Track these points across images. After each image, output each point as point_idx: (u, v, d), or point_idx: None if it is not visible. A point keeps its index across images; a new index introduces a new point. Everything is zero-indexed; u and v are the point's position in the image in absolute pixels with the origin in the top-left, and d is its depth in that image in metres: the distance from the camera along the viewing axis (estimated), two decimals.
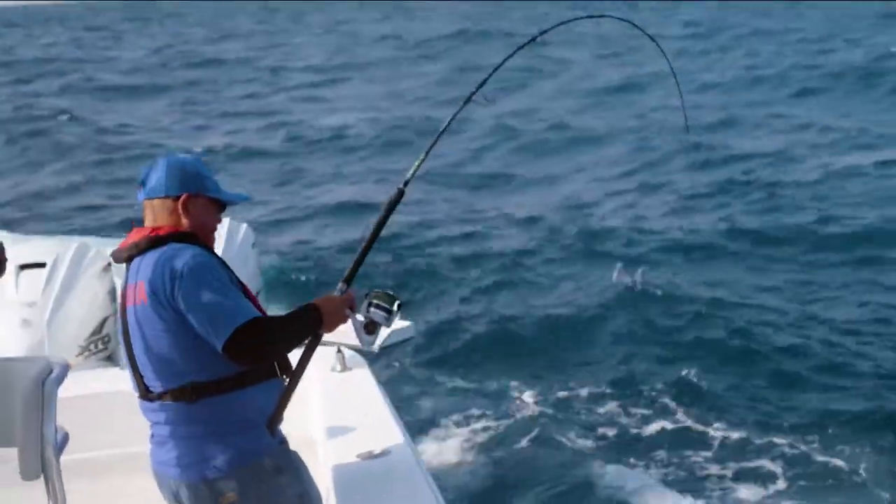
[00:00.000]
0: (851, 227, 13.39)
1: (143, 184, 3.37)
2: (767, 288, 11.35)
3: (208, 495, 3.22)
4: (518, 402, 8.71)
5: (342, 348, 4.86)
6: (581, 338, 10.10)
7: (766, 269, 12.14)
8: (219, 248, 4.19)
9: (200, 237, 3.35)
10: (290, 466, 3.35)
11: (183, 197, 3.32)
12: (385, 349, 4.76)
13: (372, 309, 3.51)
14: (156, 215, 3.34)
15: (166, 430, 3.28)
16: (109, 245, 7.57)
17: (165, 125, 25.46)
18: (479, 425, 8.27)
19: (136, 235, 3.35)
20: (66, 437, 3.05)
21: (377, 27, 40.33)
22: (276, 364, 3.35)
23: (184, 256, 3.18)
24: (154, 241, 3.28)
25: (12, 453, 3.08)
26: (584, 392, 8.82)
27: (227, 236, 6.60)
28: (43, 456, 2.96)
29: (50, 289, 6.28)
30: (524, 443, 7.97)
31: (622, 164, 18.39)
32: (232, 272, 3.31)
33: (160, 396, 3.25)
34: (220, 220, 3.46)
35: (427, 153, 3.78)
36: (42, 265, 6.35)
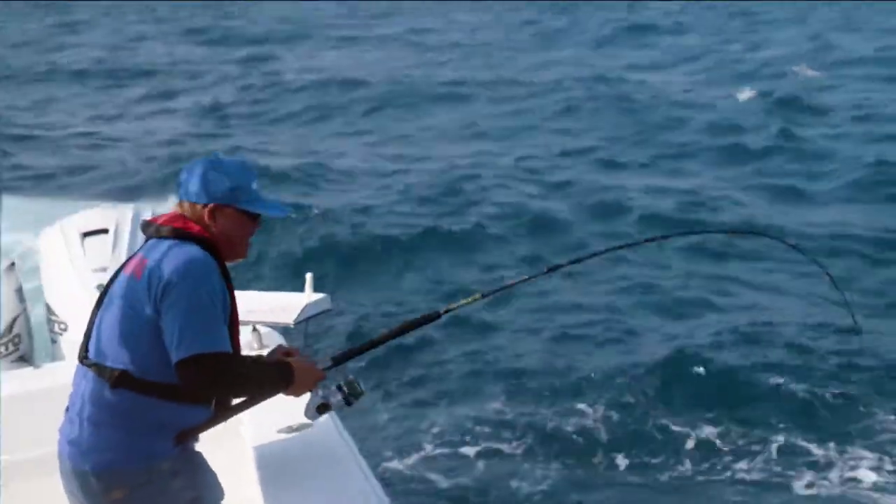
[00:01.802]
0: None
1: (179, 183, 3.37)
2: None
3: (96, 487, 3.19)
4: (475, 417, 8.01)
5: (257, 326, 4.77)
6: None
7: None
8: None
9: (224, 248, 3.32)
10: (188, 470, 3.30)
11: (210, 206, 3.30)
12: (300, 323, 4.69)
13: (335, 391, 3.51)
14: (187, 215, 3.34)
15: (80, 406, 3.24)
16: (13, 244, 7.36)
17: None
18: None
19: (169, 219, 3.34)
20: None
21: None
22: None
23: (192, 263, 3.17)
24: (178, 235, 3.27)
25: None
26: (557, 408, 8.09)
27: None
28: None
29: None
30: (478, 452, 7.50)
31: None
32: (231, 300, 3.28)
33: (93, 366, 3.23)
34: (253, 230, 3.41)
35: (484, 296, 3.79)
36: None
